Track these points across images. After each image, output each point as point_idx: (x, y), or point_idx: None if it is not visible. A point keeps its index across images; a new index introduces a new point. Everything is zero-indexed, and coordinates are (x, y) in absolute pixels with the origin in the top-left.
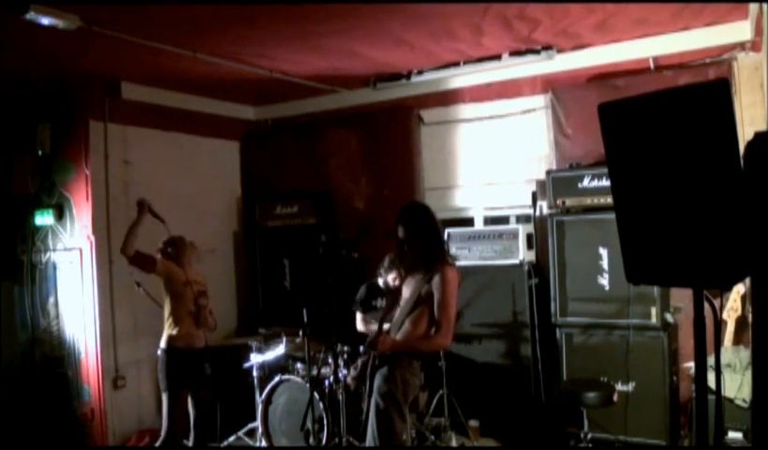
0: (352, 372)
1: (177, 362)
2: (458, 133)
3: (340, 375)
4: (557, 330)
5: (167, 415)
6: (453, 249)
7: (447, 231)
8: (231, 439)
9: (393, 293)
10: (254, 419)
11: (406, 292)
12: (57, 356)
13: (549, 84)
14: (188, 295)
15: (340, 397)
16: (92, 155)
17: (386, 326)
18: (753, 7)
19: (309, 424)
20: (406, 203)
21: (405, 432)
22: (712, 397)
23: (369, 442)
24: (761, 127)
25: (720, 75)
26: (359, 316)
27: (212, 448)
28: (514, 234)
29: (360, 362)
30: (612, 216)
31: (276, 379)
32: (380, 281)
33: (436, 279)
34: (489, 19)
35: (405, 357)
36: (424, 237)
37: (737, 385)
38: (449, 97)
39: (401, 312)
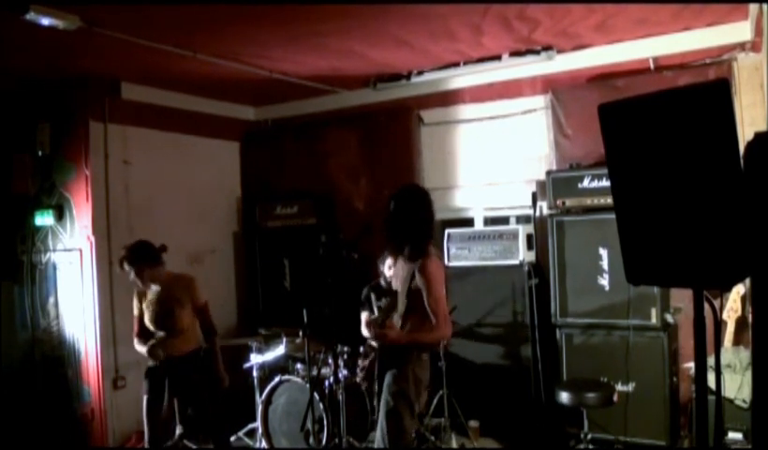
0: (361, 365)
1: (152, 369)
2: (458, 133)
3: (340, 375)
4: (557, 330)
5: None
6: (453, 249)
7: (447, 231)
8: (231, 439)
9: (394, 294)
10: (254, 419)
11: (398, 284)
12: (57, 356)
13: (549, 85)
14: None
15: (340, 397)
16: (92, 155)
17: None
18: (753, 7)
19: (309, 424)
20: (406, 185)
21: (412, 431)
22: (712, 398)
23: (378, 441)
24: (761, 127)
25: (720, 75)
26: (363, 318)
27: (212, 448)
28: (514, 235)
29: (364, 362)
30: (612, 216)
31: (276, 379)
32: (381, 280)
33: (419, 274)
34: (489, 19)
35: (414, 351)
36: (413, 218)
37: (737, 386)
38: (449, 98)
39: (398, 314)
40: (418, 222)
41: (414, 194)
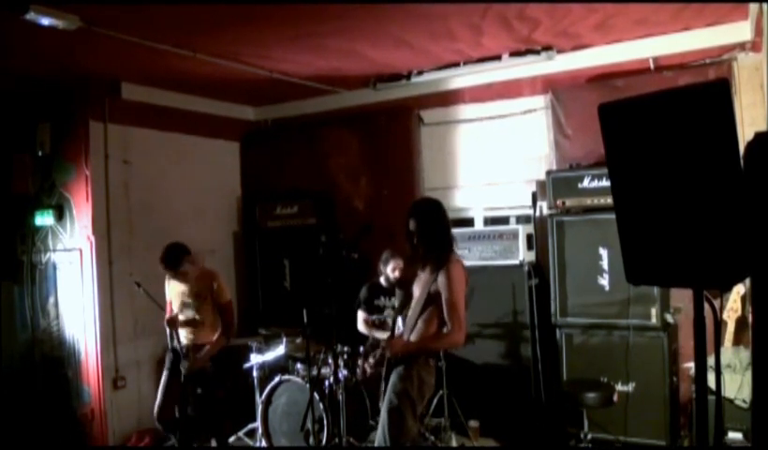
0: (371, 360)
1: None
2: (458, 133)
3: (340, 375)
4: (557, 330)
5: None
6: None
7: None
8: (231, 439)
9: (404, 291)
10: (254, 419)
11: (417, 290)
12: (57, 357)
13: (549, 85)
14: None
15: (340, 397)
16: (92, 155)
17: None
18: (753, 7)
19: (309, 424)
20: (418, 198)
21: (414, 431)
22: (712, 398)
23: (379, 439)
24: (761, 127)
25: (720, 75)
26: (360, 316)
27: (212, 448)
28: (514, 235)
29: (378, 352)
30: (612, 216)
31: (276, 379)
32: (382, 279)
33: (442, 277)
34: (489, 19)
35: (421, 355)
36: (432, 232)
37: (737, 385)
38: (449, 98)
39: (413, 312)
40: (436, 236)
41: (427, 208)
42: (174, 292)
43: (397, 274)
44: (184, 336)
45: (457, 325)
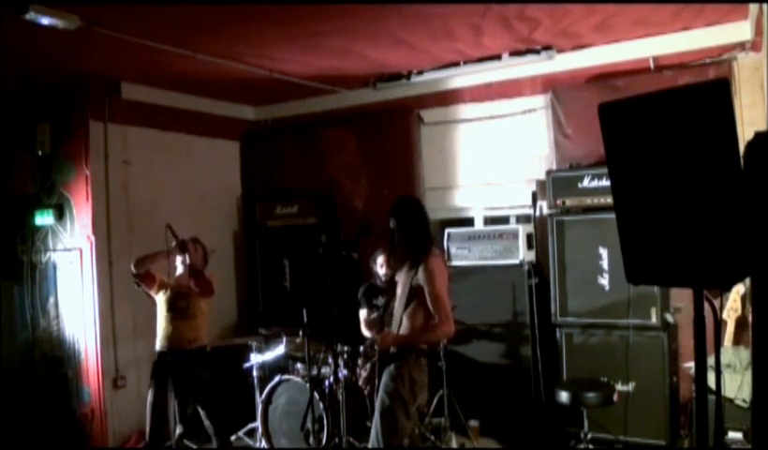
0: (363, 374)
1: (158, 361)
2: (458, 133)
3: (340, 375)
4: (557, 330)
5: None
6: (454, 249)
7: (447, 231)
8: (231, 439)
9: (390, 291)
10: (254, 419)
11: (399, 288)
12: (57, 356)
13: (549, 84)
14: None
15: (340, 397)
16: (92, 155)
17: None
18: (753, 7)
19: (309, 424)
20: (399, 197)
21: (408, 431)
22: (712, 397)
23: (372, 439)
24: (761, 127)
25: (720, 75)
26: (362, 315)
27: (212, 448)
28: (514, 234)
29: (369, 364)
30: (612, 216)
31: (276, 379)
32: (376, 279)
33: (421, 272)
34: (489, 19)
35: (412, 354)
36: (411, 229)
37: (737, 385)
38: (449, 98)
39: (397, 309)
40: (415, 233)
41: (407, 206)
42: (168, 286)
43: (385, 269)
44: (168, 336)
45: (444, 316)
